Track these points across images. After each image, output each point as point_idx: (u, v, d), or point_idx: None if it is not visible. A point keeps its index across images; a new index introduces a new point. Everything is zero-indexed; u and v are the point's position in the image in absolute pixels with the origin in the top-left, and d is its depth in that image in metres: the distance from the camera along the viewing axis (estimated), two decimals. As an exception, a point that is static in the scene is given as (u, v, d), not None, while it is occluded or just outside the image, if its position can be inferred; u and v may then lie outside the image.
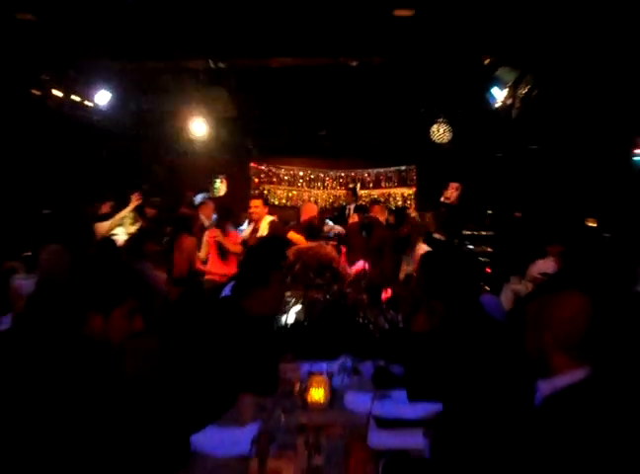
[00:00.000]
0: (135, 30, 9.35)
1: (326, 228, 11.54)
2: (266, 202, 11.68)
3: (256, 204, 11.42)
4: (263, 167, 17.27)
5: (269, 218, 11.18)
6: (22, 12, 8.99)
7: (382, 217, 11.79)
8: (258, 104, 14.04)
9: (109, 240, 9.07)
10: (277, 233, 10.29)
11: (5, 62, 10.84)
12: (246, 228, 11.44)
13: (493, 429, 3.10)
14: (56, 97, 11.97)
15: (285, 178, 17.23)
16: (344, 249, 10.27)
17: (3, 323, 6.64)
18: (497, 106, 11.33)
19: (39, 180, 14.01)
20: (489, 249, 12.74)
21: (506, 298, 7.75)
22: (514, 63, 10.56)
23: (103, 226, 10.90)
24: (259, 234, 10.69)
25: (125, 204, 11.32)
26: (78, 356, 3.30)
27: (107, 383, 3.28)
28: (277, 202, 16.50)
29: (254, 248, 5.86)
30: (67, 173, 14.44)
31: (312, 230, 10.43)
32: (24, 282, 7.77)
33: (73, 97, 12.32)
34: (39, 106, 12.06)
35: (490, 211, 13.63)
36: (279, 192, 16.17)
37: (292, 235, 10.14)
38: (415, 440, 3.50)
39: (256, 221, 11.19)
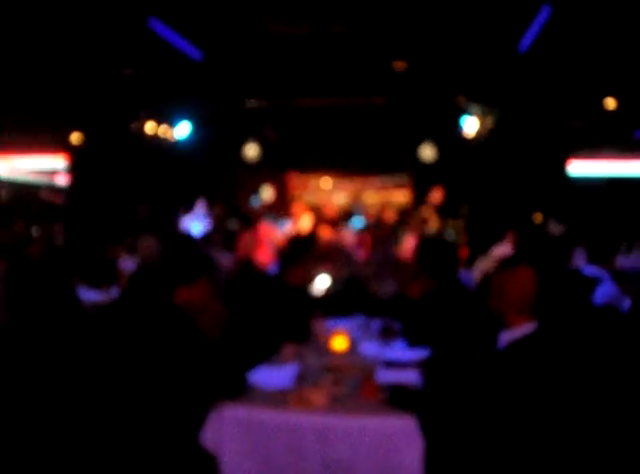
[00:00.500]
0: (208, 81, 9.41)
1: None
2: (304, 205, 11.86)
3: (297, 206, 11.62)
4: (297, 178, 17.41)
5: (306, 217, 11.27)
6: (123, 68, 9.07)
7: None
8: (292, 132, 14.20)
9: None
10: (312, 227, 10.48)
11: (112, 104, 10.94)
12: (286, 224, 11.53)
13: (468, 367, 3.13)
14: (150, 130, 12.11)
15: (314, 186, 17.33)
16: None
17: (112, 292, 6.73)
18: (469, 133, 11.39)
19: (135, 189, 14.13)
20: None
21: (476, 273, 7.74)
22: (481, 101, 10.60)
23: (186, 223, 11.05)
24: (299, 228, 10.77)
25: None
26: (169, 319, 3.36)
27: (190, 337, 3.32)
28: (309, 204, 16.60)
29: (293, 239, 5.98)
30: (155, 183, 14.56)
31: (336, 225, 10.56)
32: (128, 263, 7.85)
33: (161, 129, 12.46)
34: (136, 136, 12.22)
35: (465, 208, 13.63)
36: (309, 197, 16.14)
37: (323, 228, 10.30)
38: (412, 377, 3.53)
39: (296, 218, 11.30)
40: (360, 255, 8.72)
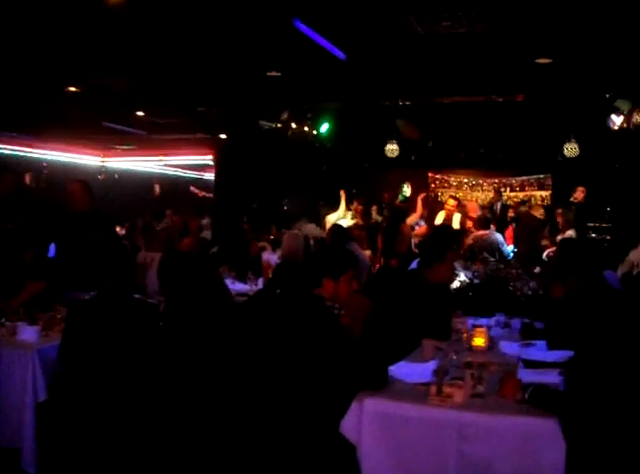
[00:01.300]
0: (349, 82, 9.51)
1: None
2: (459, 203, 11.77)
3: (452, 204, 11.52)
4: (437, 175, 17.23)
5: (458, 214, 11.22)
6: (271, 71, 9.30)
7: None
8: (433, 129, 14.11)
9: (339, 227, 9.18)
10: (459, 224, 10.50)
11: (258, 106, 11.28)
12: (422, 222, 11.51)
13: (613, 370, 3.01)
14: (293, 128, 12.38)
15: (454, 183, 17.12)
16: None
17: (258, 284, 6.96)
18: (615, 128, 10.87)
19: (279, 186, 14.52)
20: (608, 237, 12.25)
21: (622, 270, 7.46)
22: (628, 96, 10.08)
23: (331, 218, 11.19)
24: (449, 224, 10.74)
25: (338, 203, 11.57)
26: (315, 310, 3.45)
27: (334, 328, 3.39)
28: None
29: (435, 234, 5.92)
30: (299, 180, 14.91)
31: (483, 222, 10.44)
32: (271, 256, 8.09)
33: (305, 128, 12.73)
34: (280, 134, 12.55)
35: (609, 208, 13.02)
36: (448, 194, 15.94)
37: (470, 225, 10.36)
38: (553, 378, 3.43)
39: (450, 215, 11.24)
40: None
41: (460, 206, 11.86)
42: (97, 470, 3.89)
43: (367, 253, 8.24)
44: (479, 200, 16.13)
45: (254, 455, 3.37)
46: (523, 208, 13.07)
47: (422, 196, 11.91)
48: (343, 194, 11.58)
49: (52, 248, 6.05)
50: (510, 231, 11.97)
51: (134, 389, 3.90)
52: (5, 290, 5.35)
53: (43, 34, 7.12)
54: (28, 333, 4.50)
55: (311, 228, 7.84)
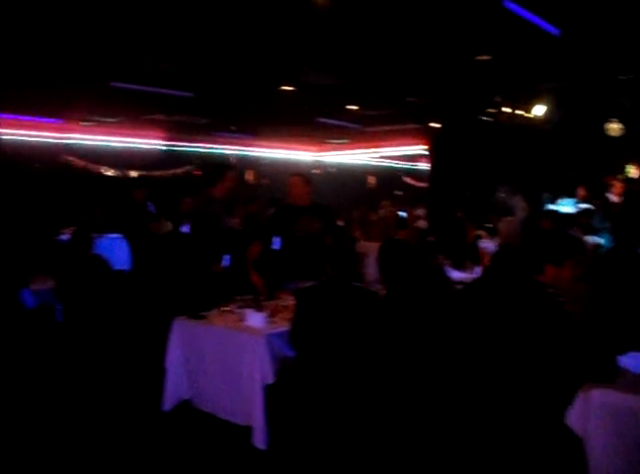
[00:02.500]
0: (564, 59, 9.11)
1: None
2: None
3: None
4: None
5: None
6: (480, 55, 9.14)
7: None
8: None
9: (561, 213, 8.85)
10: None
11: (469, 93, 11.14)
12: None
13: None
14: (506, 113, 12.08)
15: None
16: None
17: (475, 271, 6.90)
18: None
19: (493, 172, 14.20)
20: None
21: None
22: None
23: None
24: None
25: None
26: (536, 296, 3.37)
27: (559, 315, 3.29)
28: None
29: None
30: (514, 166, 14.49)
31: None
32: (488, 244, 7.97)
33: (518, 111, 12.35)
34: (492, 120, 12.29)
35: None
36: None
37: None
38: None
39: None
40: None
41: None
42: (323, 448, 4.08)
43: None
44: None
45: (478, 444, 3.37)
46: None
47: None
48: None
49: (277, 241, 6.38)
50: None
51: (357, 374, 4.04)
52: (232, 282, 5.79)
53: (257, 37, 7.53)
54: (256, 319, 4.83)
55: (509, 226, 7.66)
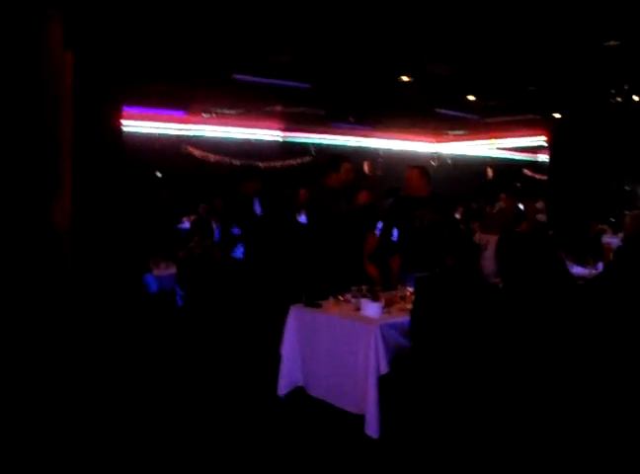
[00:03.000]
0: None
1: None
2: None
3: None
4: None
5: None
6: (609, 40, 8.80)
7: None
8: None
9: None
10: None
11: (596, 80, 10.74)
12: None
13: None
14: (635, 101, 11.57)
15: None
16: None
17: (598, 267, 6.67)
18: None
19: (618, 164, 13.62)
20: None
21: None
22: None
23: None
24: None
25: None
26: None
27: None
28: None
29: None
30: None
31: None
32: (612, 239, 7.71)
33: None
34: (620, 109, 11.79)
35: None
36: None
37: None
38: None
39: None
40: None
41: None
42: (435, 440, 4.08)
43: None
44: None
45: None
46: None
47: None
48: None
49: (395, 232, 6.41)
50: None
51: (474, 367, 4.00)
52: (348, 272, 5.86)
53: (376, 28, 7.53)
54: (372, 309, 4.86)
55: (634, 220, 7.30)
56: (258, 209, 7.03)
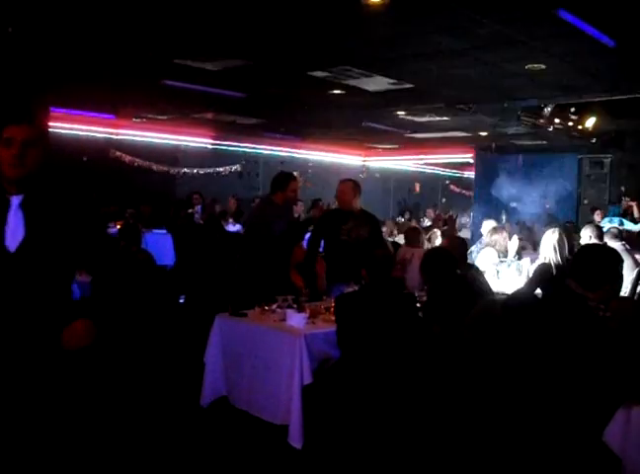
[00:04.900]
0: (619, 70, 8.95)
1: None
2: None
3: None
4: None
5: None
6: (532, 63, 9.03)
7: None
8: None
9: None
10: None
11: (515, 99, 11.04)
12: None
13: None
14: (556, 124, 11.90)
15: None
16: None
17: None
18: None
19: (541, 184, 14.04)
20: None
21: None
22: None
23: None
24: None
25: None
26: (577, 311, 3.34)
27: (597, 330, 3.26)
28: None
29: None
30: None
31: None
32: (532, 256, 7.89)
33: (569, 124, 12.16)
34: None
35: None
36: None
37: None
38: None
39: None
40: None
41: None
42: (358, 449, 4.11)
43: None
44: None
45: (512, 455, 3.37)
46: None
47: None
48: None
49: (322, 243, 6.46)
50: None
51: (396, 378, 4.06)
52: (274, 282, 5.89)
53: (307, 41, 7.56)
54: (297, 319, 4.88)
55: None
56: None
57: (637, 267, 6.84)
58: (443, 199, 19.78)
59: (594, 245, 5.56)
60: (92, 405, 5.38)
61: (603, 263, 3.46)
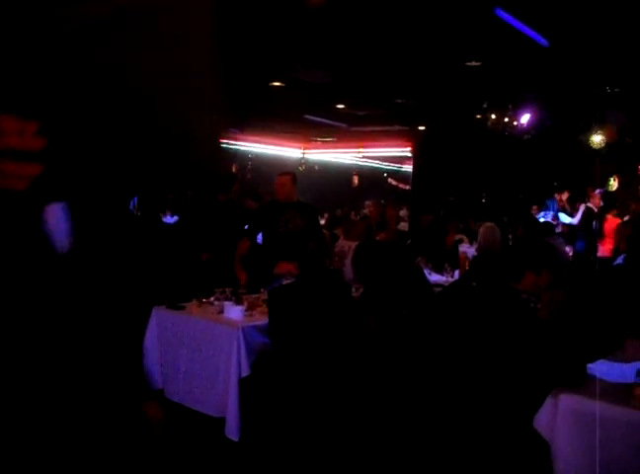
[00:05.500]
0: (552, 70, 9.20)
1: None
2: None
3: None
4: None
5: None
6: (470, 61, 9.19)
7: None
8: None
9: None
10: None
11: (457, 97, 11.21)
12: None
13: None
14: (493, 119, 12.14)
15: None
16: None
17: (454, 275, 6.97)
18: None
19: (478, 177, 14.28)
20: None
21: None
22: None
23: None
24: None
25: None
26: (510, 302, 3.44)
27: (529, 321, 3.37)
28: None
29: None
30: (498, 172, 14.58)
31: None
32: (468, 249, 8.07)
33: (505, 119, 12.43)
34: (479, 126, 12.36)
35: None
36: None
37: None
38: None
39: None
40: None
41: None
42: (295, 441, 4.13)
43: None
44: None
45: (446, 443, 3.44)
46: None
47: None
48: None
49: (260, 236, 6.47)
50: None
51: (332, 370, 4.09)
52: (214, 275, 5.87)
53: (249, 33, 7.54)
54: (234, 312, 4.87)
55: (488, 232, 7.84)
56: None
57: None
58: (381, 192, 19.91)
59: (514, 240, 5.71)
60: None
61: (517, 255, 3.60)
